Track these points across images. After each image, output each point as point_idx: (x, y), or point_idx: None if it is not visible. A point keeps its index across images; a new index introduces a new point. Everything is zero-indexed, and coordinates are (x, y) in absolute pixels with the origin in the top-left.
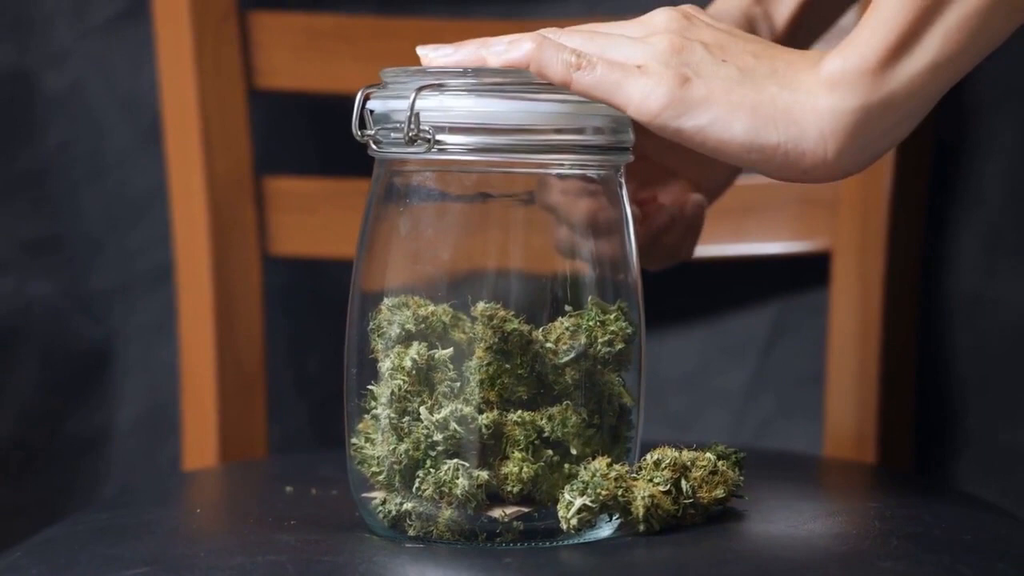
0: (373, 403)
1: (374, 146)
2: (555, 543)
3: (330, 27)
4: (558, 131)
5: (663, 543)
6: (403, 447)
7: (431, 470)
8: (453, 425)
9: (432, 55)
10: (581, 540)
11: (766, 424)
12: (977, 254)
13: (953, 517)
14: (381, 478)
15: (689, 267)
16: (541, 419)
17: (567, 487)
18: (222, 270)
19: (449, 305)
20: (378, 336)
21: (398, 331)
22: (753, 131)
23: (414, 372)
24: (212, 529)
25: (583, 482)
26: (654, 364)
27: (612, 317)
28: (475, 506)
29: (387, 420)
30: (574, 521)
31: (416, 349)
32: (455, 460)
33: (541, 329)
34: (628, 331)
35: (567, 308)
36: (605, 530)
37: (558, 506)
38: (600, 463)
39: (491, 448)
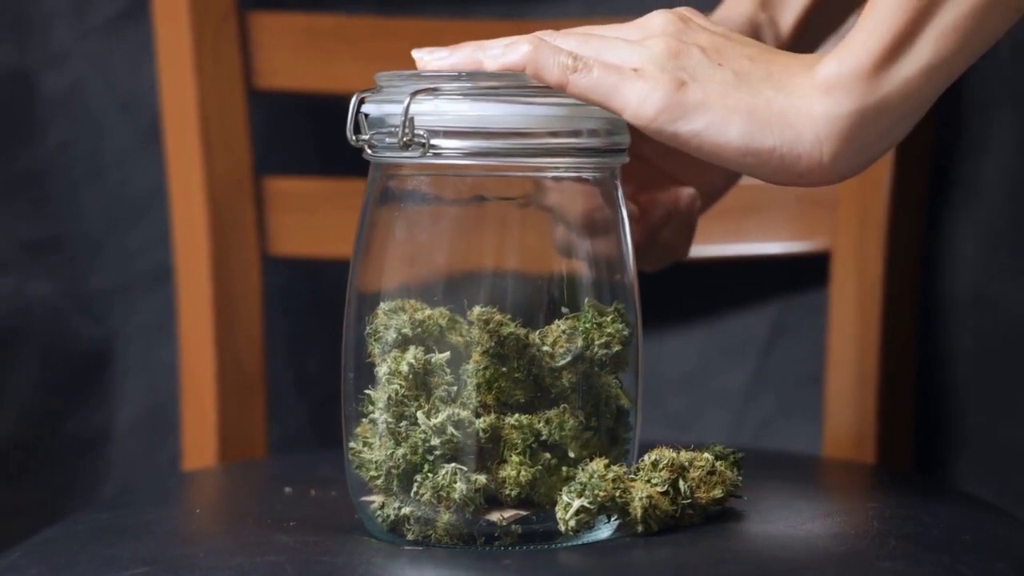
0: (370, 407)
1: (369, 151)
2: (554, 545)
3: (330, 27)
4: (553, 134)
5: (661, 544)
6: (401, 451)
7: (429, 474)
8: (450, 429)
9: (428, 58)
10: (579, 542)
11: (766, 424)
12: (976, 254)
13: (952, 517)
14: (379, 482)
15: (689, 267)
16: (538, 422)
17: (565, 488)
18: (222, 270)
19: (446, 308)
20: (375, 340)
21: (394, 335)
22: (749, 135)
23: (411, 376)
24: (211, 530)
25: (581, 483)
26: (654, 364)
27: (609, 319)
28: (473, 510)
29: (384, 425)
30: (572, 522)
31: (413, 353)
32: (453, 464)
33: (538, 332)
34: (625, 333)
35: (564, 310)
36: (603, 531)
37: (556, 507)
38: (598, 464)
39: (489, 452)
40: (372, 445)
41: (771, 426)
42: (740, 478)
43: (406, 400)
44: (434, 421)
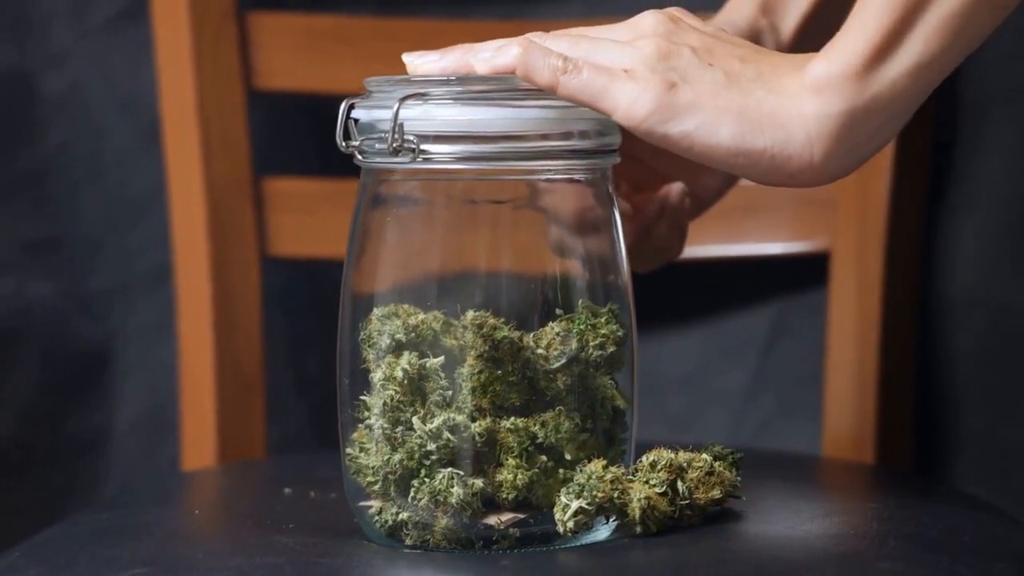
0: (366, 413)
1: (359, 156)
2: (552, 547)
3: (329, 28)
4: (544, 137)
5: (660, 544)
6: (397, 457)
7: (426, 479)
8: (446, 434)
9: (418, 62)
10: (578, 543)
11: (765, 424)
12: (976, 254)
13: (951, 517)
14: (377, 487)
15: (688, 267)
16: (534, 425)
17: (563, 490)
18: (221, 271)
19: (440, 312)
20: (369, 346)
21: (388, 341)
22: (739, 136)
23: (405, 382)
24: (211, 531)
25: (579, 484)
26: (654, 364)
27: (603, 320)
28: (471, 514)
29: (380, 430)
30: (570, 524)
31: (407, 359)
32: (449, 469)
33: (532, 335)
34: (619, 334)
35: (558, 312)
36: (602, 532)
37: (555, 509)
38: (596, 465)
39: (485, 456)
40: (369, 450)
41: (771, 426)
42: (739, 479)
43: (401, 406)
44: (430, 426)
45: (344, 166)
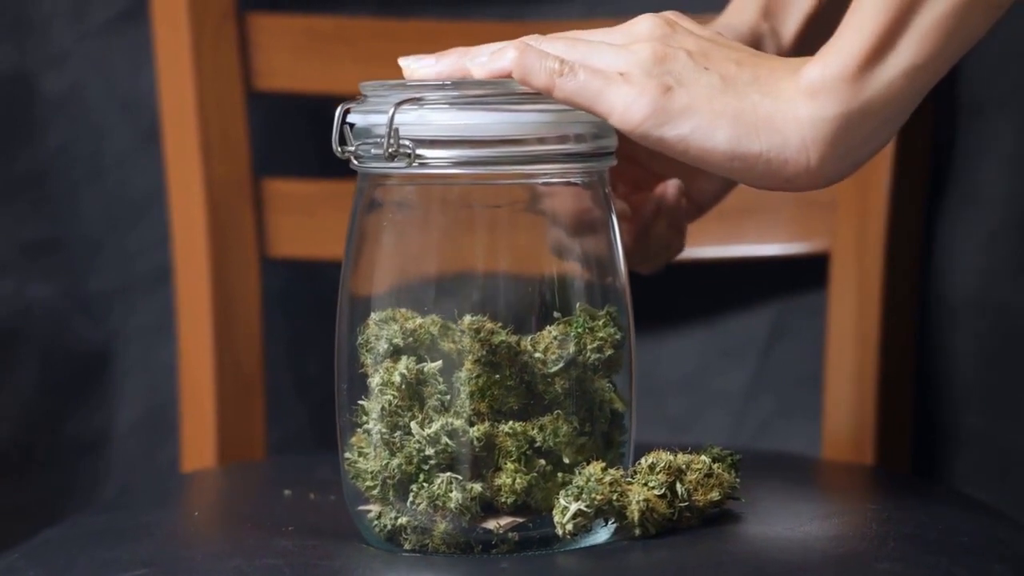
0: (364, 418)
1: (355, 161)
2: (551, 551)
3: (329, 29)
4: (540, 141)
5: (659, 546)
6: (395, 462)
7: (424, 484)
8: (444, 439)
9: (414, 66)
10: (577, 546)
11: (765, 425)
12: (975, 255)
13: (951, 519)
14: (375, 492)
15: (688, 269)
16: (532, 429)
17: (562, 492)
18: (221, 272)
19: (437, 316)
20: (366, 351)
21: (386, 346)
22: (735, 140)
23: (403, 387)
24: (210, 532)
25: (578, 487)
26: (653, 366)
27: (601, 323)
28: (469, 518)
29: (379, 435)
30: (569, 526)
31: (405, 364)
32: (448, 473)
33: (529, 338)
34: (617, 337)
35: (556, 315)
36: (602, 535)
37: (554, 511)
38: (595, 468)
39: (483, 460)
40: (367, 455)
41: (770, 427)
42: (738, 480)
43: (399, 410)
44: (428, 431)
45: (344, 167)
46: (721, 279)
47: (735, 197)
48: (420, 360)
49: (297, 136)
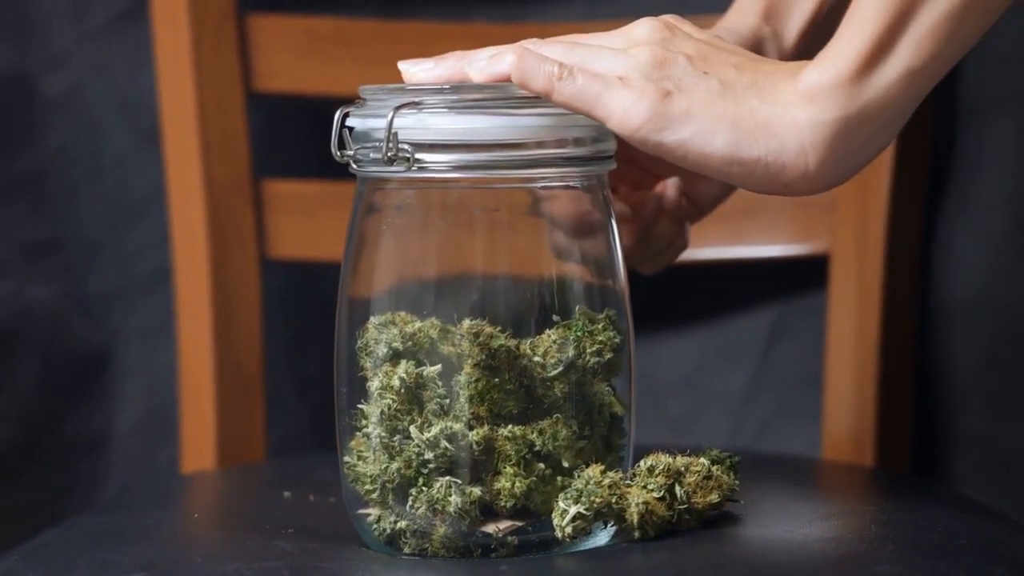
0: (364, 422)
1: (354, 165)
2: (551, 554)
3: (329, 30)
4: (539, 145)
5: (658, 549)
6: (395, 466)
7: (424, 488)
8: (444, 443)
9: (413, 70)
10: (576, 549)
11: (765, 426)
12: (975, 256)
13: (950, 520)
14: (375, 496)
15: (688, 270)
16: (532, 433)
17: (561, 495)
18: (221, 272)
19: (436, 319)
20: (366, 355)
21: (385, 350)
22: (734, 145)
23: (403, 391)
24: (209, 534)
25: (577, 490)
26: (653, 367)
27: (600, 327)
28: (469, 522)
29: (378, 439)
30: (569, 529)
31: (404, 368)
32: (447, 477)
33: (529, 342)
34: (616, 340)
35: (555, 318)
36: (601, 538)
37: (553, 514)
38: (594, 470)
39: (483, 464)
40: (367, 459)
41: (770, 428)
42: (737, 482)
43: (399, 414)
44: (427, 435)
45: (344, 168)
46: (721, 280)
47: (736, 199)
48: (419, 364)
49: (297, 137)
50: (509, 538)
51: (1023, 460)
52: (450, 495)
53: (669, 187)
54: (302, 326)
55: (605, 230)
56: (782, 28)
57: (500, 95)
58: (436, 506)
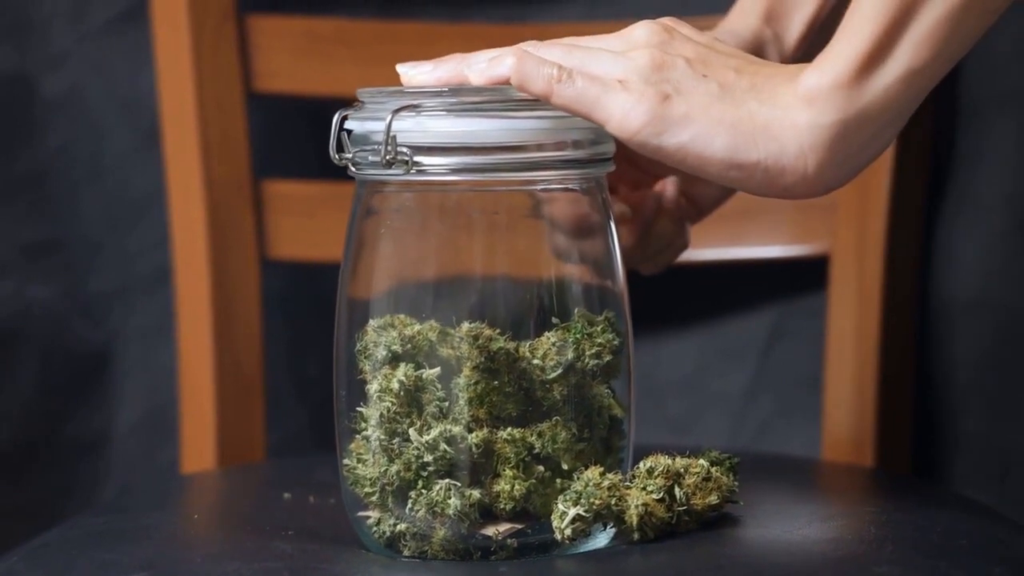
0: (363, 425)
1: (353, 168)
2: (550, 556)
3: (329, 30)
4: (538, 147)
5: (658, 551)
6: (394, 468)
7: (423, 491)
8: (443, 445)
9: (411, 73)
10: (576, 550)
11: (765, 427)
12: (975, 256)
13: (950, 521)
14: (374, 498)
15: (688, 271)
16: (531, 435)
17: (560, 497)
18: (221, 273)
19: (435, 321)
20: (365, 358)
21: (384, 352)
22: (733, 148)
23: (402, 394)
24: (209, 535)
25: (576, 492)
26: (653, 368)
27: (599, 329)
28: (468, 525)
29: (377, 442)
30: (568, 531)
31: (403, 370)
32: (447, 480)
33: (528, 345)
34: (615, 342)
35: (554, 321)
36: (601, 540)
37: (552, 516)
38: (593, 472)
39: (482, 466)
40: (366, 461)
41: (770, 429)
42: (736, 483)
43: (398, 417)
44: (426, 438)
45: (343, 169)
46: (721, 281)
47: (736, 199)
48: (418, 367)
49: (297, 137)
50: (508, 540)
51: (1023, 460)
52: (449, 498)
53: (668, 186)
54: (302, 326)
55: (604, 232)
56: (783, 30)
57: (499, 98)
58: (435, 509)
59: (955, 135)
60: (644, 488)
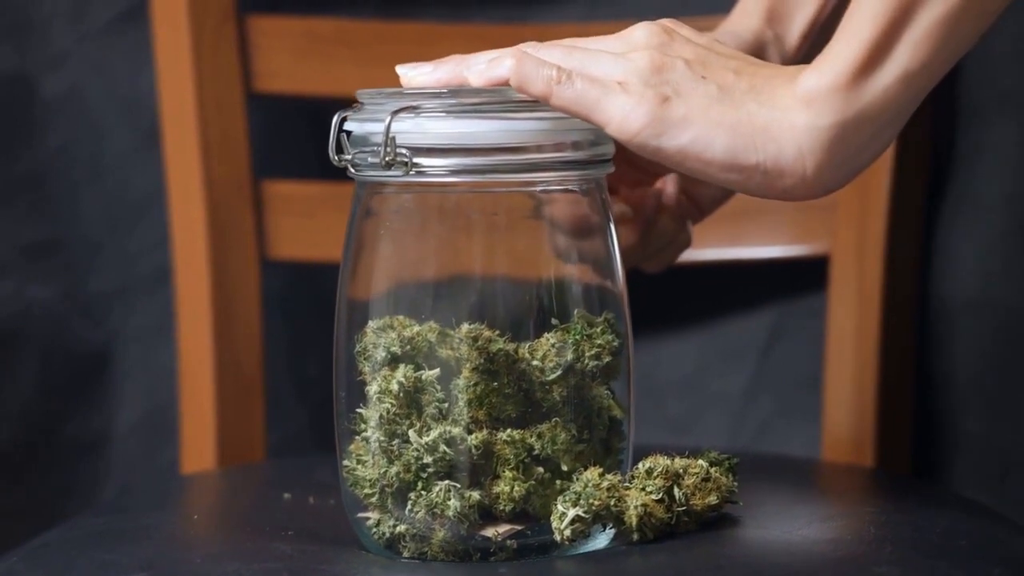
0: (362, 426)
1: (352, 169)
2: (550, 557)
3: (329, 31)
4: (538, 148)
5: (657, 551)
6: (394, 470)
7: (423, 492)
8: (443, 447)
9: (411, 74)
10: (575, 551)
11: (765, 427)
12: (975, 256)
13: (950, 521)
14: (374, 500)
15: (688, 271)
16: (531, 437)
17: (560, 498)
18: (221, 273)
19: (435, 322)
20: (364, 359)
21: (383, 354)
22: (732, 150)
23: (401, 395)
24: (209, 535)
25: (576, 493)
26: (653, 368)
27: (599, 330)
28: (468, 526)
29: (377, 443)
30: (567, 532)
31: (403, 372)
32: (446, 481)
33: (527, 346)
34: (615, 344)
35: (553, 322)
36: (600, 540)
37: (552, 517)
38: (592, 473)
39: (482, 468)
40: (366, 463)
41: (770, 429)
42: (736, 484)
43: (397, 418)
44: (426, 439)
45: (343, 170)
46: (721, 281)
47: (736, 200)
48: (418, 368)
49: (297, 138)
50: (508, 542)
51: (1023, 461)
52: (449, 499)
53: (668, 183)
54: (302, 327)
55: (603, 233)
56: (784, 31)
57: (498, 99)
58: (435, 510)
59: (955, 135)
60: (643, 489)
